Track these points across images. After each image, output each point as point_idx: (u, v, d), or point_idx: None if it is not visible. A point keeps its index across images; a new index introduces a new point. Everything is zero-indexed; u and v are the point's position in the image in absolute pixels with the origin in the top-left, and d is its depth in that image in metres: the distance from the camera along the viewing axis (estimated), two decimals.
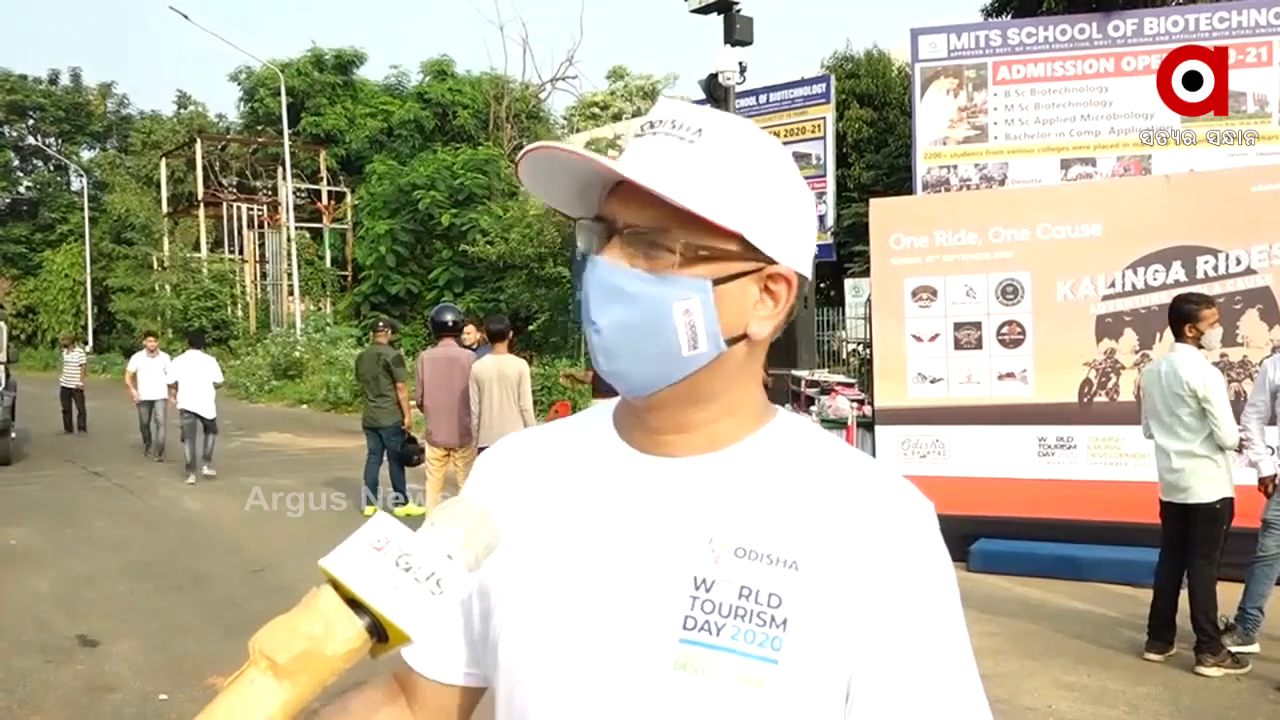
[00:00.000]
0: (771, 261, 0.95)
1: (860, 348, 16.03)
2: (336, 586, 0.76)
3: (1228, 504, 5.23)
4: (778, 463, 0.96)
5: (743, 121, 0.96)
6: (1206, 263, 6.99)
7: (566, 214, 1.00)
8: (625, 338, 0.93)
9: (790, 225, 0.96)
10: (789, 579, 0.89)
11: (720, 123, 0.94)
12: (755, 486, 0.94)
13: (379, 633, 0.76)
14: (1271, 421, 5.57)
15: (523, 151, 0.93)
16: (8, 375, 13.91)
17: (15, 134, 46.46)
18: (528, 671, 0.96)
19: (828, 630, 0.88)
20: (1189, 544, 5.27)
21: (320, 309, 29.75)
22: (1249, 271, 6.90)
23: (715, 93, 10.40)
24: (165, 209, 33.57)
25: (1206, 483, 5.21)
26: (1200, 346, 5.33)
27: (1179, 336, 5.37)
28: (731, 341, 0.94)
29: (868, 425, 8.55)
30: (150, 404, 13.70)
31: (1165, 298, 7.03)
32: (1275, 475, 5.47)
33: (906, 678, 0.89)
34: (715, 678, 0.88)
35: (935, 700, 0.89)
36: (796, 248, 0.97)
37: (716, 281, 0.92)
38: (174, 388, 12.26)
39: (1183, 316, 5.34)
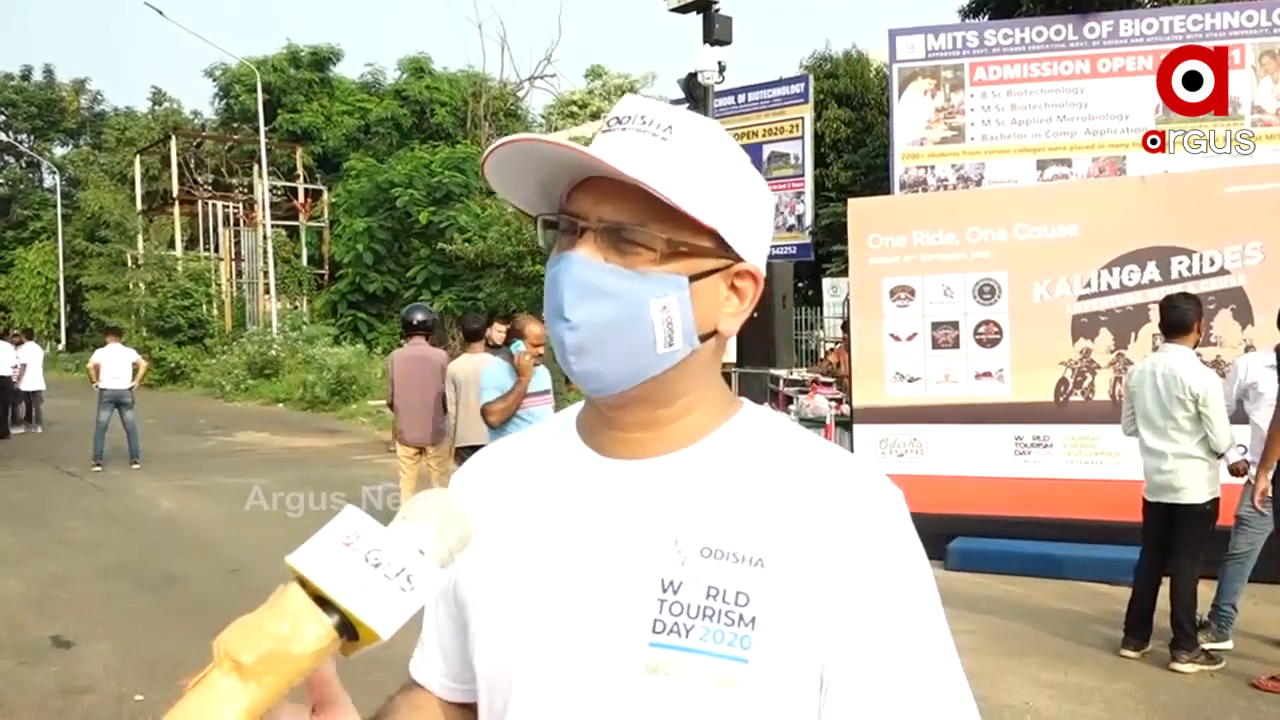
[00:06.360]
0: (739, 259, 0.95)
1: (838, 347, 16.06)
2: (304, 584, 0.74)
3: (1216, 504, 5.24)
4: (743, 457, 0.96)
5: (707, 120, 0.97)
6: (1181, 263, 7.05)
7: (525, 211, 0.99)
8: (600, 335, 0.91)
9: (756, 224, 0.97)
10: (755, 576, 0.89)
11: (688, 120, 0.94)
12: (720, 484, 0.94)
13: (349, 631, 0.74)
14: (1242, 420, 5.63)
15: (500, 142, 0.91)
16: None
17: None
18: (503, 681, 0.96)
19: (797, 625, 0.88)
20: (1174, 543, 5.26)
21: (297, 307, 29.53)
22: (1222, 272, 6.96)
23: (694, 92, 10.41)
24: (140, 207, 33.23)
25: (1200, 483, 5.20)
26: (1194, 348, 5.34)
27: (1173, 337, 5.33)
28: (704, 338, 0.95)
29: (846, 424, 8.57)
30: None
31: (1140, 298, 7.11)
32: (1245, 458, 5.46)
33: (882, 663, 0.88)
34: (687, 680, 0.87)
35: (914, 683, 0.89)
36: (760, 246, 0.98)
37: (692, 278, 0.92)
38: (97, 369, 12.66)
39: (1185, 318, 5.29)
